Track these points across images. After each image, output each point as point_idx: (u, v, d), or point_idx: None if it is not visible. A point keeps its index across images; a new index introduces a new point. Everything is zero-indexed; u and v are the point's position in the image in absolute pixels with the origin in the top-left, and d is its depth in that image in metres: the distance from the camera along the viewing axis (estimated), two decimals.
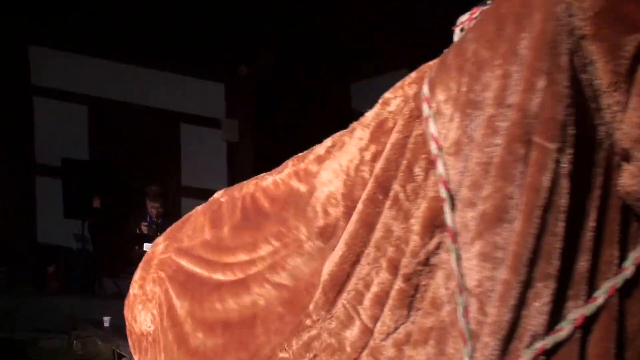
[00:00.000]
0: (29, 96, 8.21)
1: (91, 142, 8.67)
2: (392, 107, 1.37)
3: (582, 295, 1.01)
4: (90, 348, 5.90)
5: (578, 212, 0.99)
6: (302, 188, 1.44)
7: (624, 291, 1.02)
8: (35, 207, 8.12)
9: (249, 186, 1.54)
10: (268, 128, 9.47)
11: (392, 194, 1.19)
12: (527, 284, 0.97)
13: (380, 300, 1.18)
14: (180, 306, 1.48)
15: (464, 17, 1.28)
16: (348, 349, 1.22)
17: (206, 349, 1.39)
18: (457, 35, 1.28)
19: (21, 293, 6.36)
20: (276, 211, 1.40)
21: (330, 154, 1.46)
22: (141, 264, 1.68)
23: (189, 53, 8.68)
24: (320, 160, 1.47)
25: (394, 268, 1.17)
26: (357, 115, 1.44)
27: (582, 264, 1.00)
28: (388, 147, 1.24)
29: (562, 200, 0.96)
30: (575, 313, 1.00)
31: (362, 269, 1.21)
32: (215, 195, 1.66)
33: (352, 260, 1.23)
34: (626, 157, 0.99)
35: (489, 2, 1.25)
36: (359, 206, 1.22)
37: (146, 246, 5.95)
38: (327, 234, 1.29)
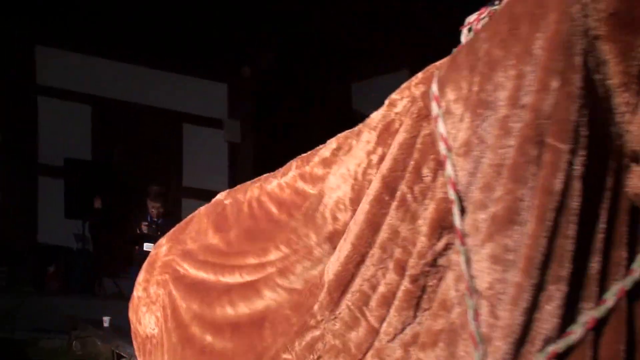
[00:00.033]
0: (33, 96, 8.23)
1: (94, 142, 8.69)
2: (398, 108, 1.36)
3: (593, 297, 1.00)
4: (90, 348, 5.89)
5: (589, 213, 0.98)
6: (309, 190, 1.43)
7: (633, 293, 1.02)
8: (37, 207, 8.12)
9: (253, 189, 1.53)
10: (269, 128, 9.48)
11: (398, 194, 1.18)
12: (539, 287, 0.96)
13: (387, 301, 1.17)
14: (186, 308, 1.47)
15: (472, 17, 1.27)
16: (353, 350, 1.21)
17: (214, 351, 1.38)
18: (464, 36, 1.26)
19: (21, 293, 6.36)
20: (284, 217, 1.40)
21: (336, 156, 1.45)
22: (145, 266, 1.67)
23: (192, 53, 8.71)
24: (325, 162, 1.46)
25: (400, 269, 1.16)
26: (357, 115, 1.43)
27: (593, 265, 1.00)
28: (395, 147, 1.23)
29: (574, 203, 0.96)
30: (587, 316, 1.00)
31: (367, 270, 1.20)
32: (219, 196, 1.65)
33: (357, 260, 1.22)
34: (635, 158, 0.99)
35: (497, 2, 1.24)
36: (365, 206, 1.21)
37: (146, 246, 5.96)
38: (337, 240, 1.29)
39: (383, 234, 1.19)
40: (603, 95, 0.97)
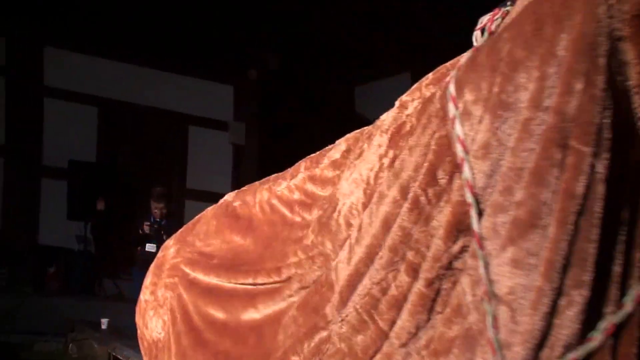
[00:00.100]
0: (40, 97, 8.22)
1: (99, 143, 8.67)
2: (409, 110, 1.35)
3: (614, 301, 0.99)
4: (86, 351, 5.83)
5: (611, 216, 0.97)
6: (319, 193, 1.41)
7: None
8: (39, 208, 8.10)
9: (262, 192, 1.51)
10: (273, 130, 9.51)
11: (411, 196, 1.16)
12: (560, 292, 0.95)
13: (398, 304, 1.16)
14: (202, 313, 1.45)
15: (484, 18, 1.26)
16: (359, 354, 1.20)
17: (229, 356, 1.36)
18: (476, 37, 1.25)
19: (21, 294, 6.32)
20: (297, 221, 1.38)
21: (347, 159, 1.43)
22: (152, 269, 1.64)
23: (199, 55, 8.72)
24: (335, 164, 1.44)
25: (413, 271, 1.15)
26: (360, 118, 1.42)
27: (615, 268, 0.99)
28: (408, 148, 1.21)
29: (597, 206, 0.94)
30: (606, 321, 0.98)
31: (377, 274, 1.19)
32: (226, 198, 1.63)
33: (368, 263, 1.20)
34: None
35: (509, 3, 1.22)
36: (384, 208, 1.19)
37: (149, 246, 5.93)
38: None
39: (394, 236, 1.17)
40: (625, 96, 0.96)
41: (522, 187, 0.97)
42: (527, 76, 0.97)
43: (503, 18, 1.18)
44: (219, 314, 1.41)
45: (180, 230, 1.67)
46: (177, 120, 9.14)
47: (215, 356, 1.38)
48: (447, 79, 1.25)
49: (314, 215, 1.39)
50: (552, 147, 0.94)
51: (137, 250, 6.12)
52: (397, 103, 1.40)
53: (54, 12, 7.75)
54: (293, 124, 9.33)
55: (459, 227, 1.09)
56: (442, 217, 1.12)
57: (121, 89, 8.56)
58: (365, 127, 1.47)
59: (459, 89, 1.10)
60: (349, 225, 1.28)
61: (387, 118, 1.40)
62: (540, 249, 0.95)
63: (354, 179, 1.33)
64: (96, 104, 8.55)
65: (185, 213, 8.18)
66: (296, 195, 1.45)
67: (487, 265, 1.01)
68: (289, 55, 8.90)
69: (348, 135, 1.50)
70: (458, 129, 1.08)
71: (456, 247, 1.10)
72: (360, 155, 1.39)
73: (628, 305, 0.99)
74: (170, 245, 1.63)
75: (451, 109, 1.10)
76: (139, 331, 1.63)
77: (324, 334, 1.24)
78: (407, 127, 1.31)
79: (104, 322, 5.42)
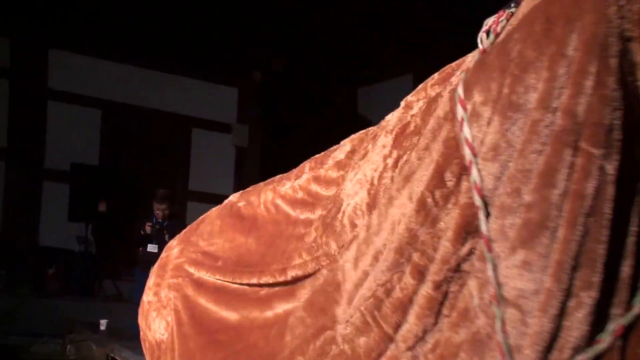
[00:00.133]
0: (44, 100, 8.23)
1: (103, 146, 8.68)
2: (414, 110, 1.35)
3: (623, 303, 0.99)
4: (84, 352, 5.81)
5: (621, 217, 0.96)
6: (322, 192, 1.41)
7: None
8: (40, 210, 8.10)
9: (266, 192, 1.51)
10: (276, 132, 9.52)
11: (417, 198, 1.15)
12: (569, 293, 0.94)
13: (403, 306, 1.15)
14: (208, 313, 1.43)
15: (490, 20, 1.25)
16: (362, 356, 1.19)
17: (239, 358, 1.35)
18: (482, 39, 1.25)
19: (19, 295, 6.30)
20: (301, 220, 1.38)
21: (351, 159, 1.43)
22: (155, 269, 1.63)
23: (203, 58, 8.75)
24: (340, 165, 1.44)
25: (418, 274, 1.14)
26: (362, 119, 1.42)
27: (625, 269, 0.98)
28: (415, 149, 1.21)
29: (607, 207, 0.94)
30: (615, 323, 0.98)
31: (382, 275, 1.18)
32: (231, 198, 1.62)
33: (373, 263, 1.20)
34: None
35: (513, 5, 1.22)
36: (393, 210, 1.18)
37: (150, 247, 5.93)
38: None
39: (400, 238, 1.16)
40: (635, 97, 0.96)
41: (531, 189, 0.96)
42: (536, 77, 0.97)
43: (508, 20, 1.17)
44: (231, 315, 1.40)
45: (184, 231, 1.66)
46: (180, 123, 9.16)
47: (226, 358, 1.37)
48: (455, 80, 1.24)
49: (317, 214, 1.38)
50: (561, 149, 0.94)
51: (139, 251, 6.11)
52: (402, 103, 1.40)
53: (58, 14, 7.77)
54: (295, 126, 9.35)
55: (468, 230, 1.08)
56: (449, 219, 1.11)
57: (125, 91, 8.59)
58: (370, 128, 1.47)
59: (468, 91, 1.10)
60: (353, 225, 1.28)
61: (392, 118, 1.40)
62: (550, 250, 0.95)
63: (358, 179, 1.32)
64: (100, 107, 8.58)
65: (187, 214, 8.19)
66: (300, 195, 1.44)
67: (495, 268, 1.01)
68: (292, 57, 8.92)
69: (353, 136, 1.50)
70: (466, 132, 1.08)
71: (464, 250, 1.09)
72: (364, 155, 1.38)
73: (637, 307, 0.99)
74: (174, 246, 1.62)
75: (459, 112, 1.09)
76: (141, 333, 1.62)
77: (329, 334, 1.23)
78: (412, 127, 1.31)
79: (103, 323, 5.39)
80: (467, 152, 1.07)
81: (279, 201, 1.45)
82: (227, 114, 9.56)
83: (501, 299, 0.99)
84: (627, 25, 0.92)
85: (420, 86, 1.39)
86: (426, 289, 1.13)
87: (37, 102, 8.11)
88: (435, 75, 1.36)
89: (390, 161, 1.29)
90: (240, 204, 1.55)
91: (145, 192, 7.24)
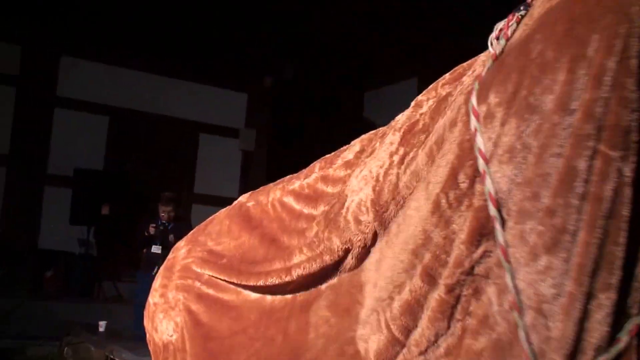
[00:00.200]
0: (51, 107, 8.22)
1: (108, 151, 8.67)
2: (424, 108, 1.34)
3: (637, 302, 0.98)
4: (82, 354, 5.76)
5: (637, 218, 0.96)
6: (328, 190, 1.40)
7: None
8: (40, 213, 8.08)
9: (275, 191, 1.50)
10: (282, 137, 9.55)
11: (433, 199, 1.14)
12: (590, 295, 0.94)
13: (411, 309, 1.14)
14: (215, 317, 1.42)
15: (500, 24, 1.25)
16: (372, 359, 1.18)
17: (259, 356, 1.33)
18: (492, 43, 1.24)
19: (17, 297, 6.25)
20: (304, 214, 1.37)
21: (359, 159, 1.42)
22: (162, 271, 1.61)
23: (212, 63, 8.77)
24: (348, 165, 1.43)
25: (427, 276, 1.13)
26: (369, 123, 1.41)
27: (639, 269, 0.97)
28: (429, 150, 1.20)
29: (625, 209, 0.93)
30: (631, 322, 0.97)
31: (398, 277, 1.17)
32: (241, 198, 1.61)
33: (393, 264, 1.19)
34: None
35: (522, 8, 1.22)
36: (411, 212, 1.17)
37: (154, 248, 5.91)
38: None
39: (417, 240, 1.16)
40: None
41: (551, 193, 0.96)
42: (554, 78, 0.96)
43: (518, 23, 1.17)
44: (248, 314, 1.39)
45: (191, 232, 1.65)
46: (188, 128, 9.19)
47: (249, 358, 1.35)
48: (466, 80, 1.24)
49: (319, 210, 1.37)
50: (580, 151, 0.93)
51: (143, 252, 6.09)
52: (412, 103, 1.40)
53: (70, 21, 7.76)
54: (302, 130, 9.38)
55: (482, 232, 1.07)
56: (462, 221, 1.10)
57: (133, 97, 8.59)
58: (380, 128, 1.47)
59: (484, 92, 1.09)
60: (357, 222, 1.27)
61: (401, 117, 1.40)
62: (571, 254, 0.94)
63: (363, 175, 1.32)
64: (107, 113, 8.58)
65: (192, 217, 8.17)
66: (306, 192, 1.44)
67: (513, 275, 1.00)
68: (300, 62, 8.95)
69: (363, 136, 1.50)
70: (479, 142, 1.07)
71: (479, 252, 1.08)
72: (372, 153, 1.38)
73: None
74: (182, 247, 1.61)
75: (472, 122, 1.09)
76: (147, 335, 1.60)
77: (349, 335, 1.22)
78: (420, 125, 1.30)
79: (102, 325, 5.37)
80: (480, 162, 1.06)
81: (285, 199, 1.45)
82: (235, 118, 9.57)
83: (522, 305, 0.98)
84: None
85: (431, 85, 1.39)
86: (438, 293, 1.11)
87: (43, 109, 8.11)
88: (447, 75, 1.36)
89: (396, 158, 1.28)
90: (250, 203, 1.54)
91: (152, 196, 7.23)
